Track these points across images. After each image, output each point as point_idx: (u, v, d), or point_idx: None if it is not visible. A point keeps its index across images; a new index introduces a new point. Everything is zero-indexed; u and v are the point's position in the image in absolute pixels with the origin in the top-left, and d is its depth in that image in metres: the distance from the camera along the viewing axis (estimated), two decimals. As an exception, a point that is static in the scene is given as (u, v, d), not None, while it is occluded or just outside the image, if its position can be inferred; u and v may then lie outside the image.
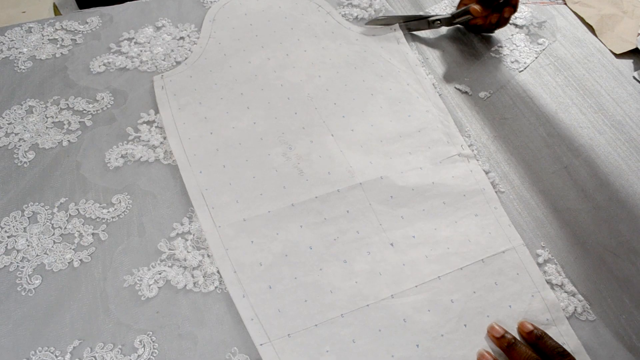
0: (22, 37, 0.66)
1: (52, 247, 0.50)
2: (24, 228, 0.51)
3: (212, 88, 0.62)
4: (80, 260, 0.49)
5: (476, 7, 0.67)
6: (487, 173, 0.57)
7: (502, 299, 0.48)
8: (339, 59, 0.66)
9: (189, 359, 0.44)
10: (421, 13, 0.74)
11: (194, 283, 0.48)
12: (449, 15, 0.69)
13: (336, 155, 0.57)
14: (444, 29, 0.72)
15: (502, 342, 0.45)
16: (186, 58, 0.65)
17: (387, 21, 0.70)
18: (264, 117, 0.59)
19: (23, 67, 0.63)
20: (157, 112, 0.60)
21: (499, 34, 0.72)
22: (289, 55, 0.66)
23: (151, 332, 0.45)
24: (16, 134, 0.57)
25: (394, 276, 0.49)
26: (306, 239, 0.51)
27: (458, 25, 0.72)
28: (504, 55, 0.69)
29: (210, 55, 0.65)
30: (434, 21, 0.70)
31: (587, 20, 0.74)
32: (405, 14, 0.74)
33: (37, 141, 0.57)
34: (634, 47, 0.70)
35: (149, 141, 0.57)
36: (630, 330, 0.48)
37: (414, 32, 0.71)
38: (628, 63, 0.69)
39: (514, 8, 0.68)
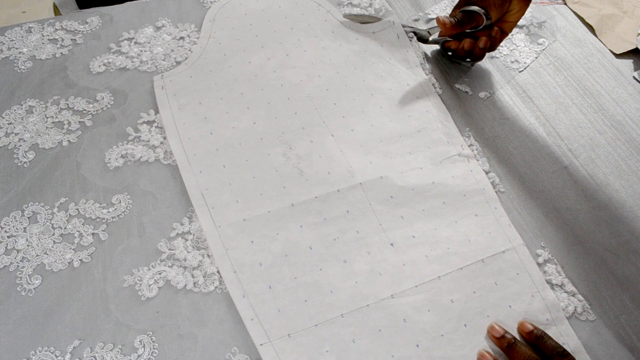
0: (22, 37, 0.66)
1: (52, 247, 0.50)
2: (24, 228, 0.51)
3: (212, 88, 0.62)
4: (80, 260, 0.49)
5: (446, 20, 0.61)
6: (487, 173, 0.57)
7: (502, 299, 0.48)
8: (339, 59, 0.66)
9: (189, 359, 0.44)
10: (420, 13, 0.74)
11: (194, 283, 0.48)
12: (425, 31, 0.68)
13: (336, 155, 0.57)
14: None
15: (502, 342, 0.45)
16: (186, 58, 0.65)
17: (364, 20, 0.70)
18: (264, 117, 0.59)
19: (23, 67, 0.63)
20: (157, 112, 0.60)
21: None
22: (289, 55, 0.66)
23: (151, 332, 0.45)
24: (16, 134, 0.57)
25: (394, 276, 0.49)
26: (306, 239, 0.51)
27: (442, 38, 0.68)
28: (504, 55, 0.69)
29: (210, 55, 0.65)
30: (407, 32, 0.68)
31: (587, 20, 0.74)
32: (405, 14, 0.74)
33: (37, 141, 0.57)
34: (634, 47, 0.70)
35: (149, 141, 0.57)
36: (630, 330, 0.48)
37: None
38: (628, 63, 0.69)
39: (490, 40, 0.63)
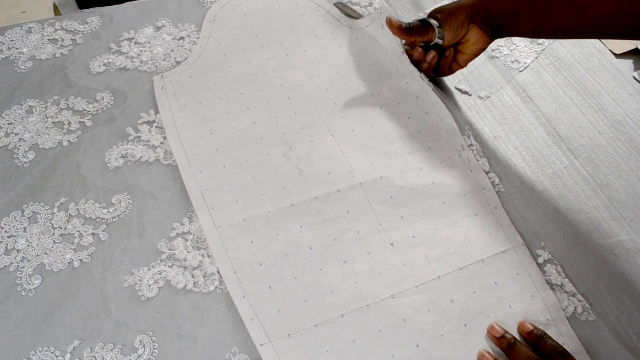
0: (22, 37, 0.66)
1: (52, 247, 0.50)
2: (24, 228, 0.51)
3: (212, 88, 0.62)
4: (80, 260, 0.49)
5: (394, 20, 0.59)
6: (487, 173, 0.57)
7: (502, 299, 0.48)
8: (339, 59, 0.66)
9: (189, 359, 0.44)
10: (420, 14, 0.74)
11: (194, 283, 0.48)
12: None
13: (336, 155, 0.57)
14: None
15: (502, 342, 0.45)
16: (186, 58, 0.65)
17: (351, 13, 0.70)
18: (264, 117, 0.59)
19: (23, 67, 0.63)
20: (157, 112, 0.60)
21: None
22: (289, 55, 0.66)
23: (151, 332, 0.45)
24: (16, 134, 0.57)
25: (394, 276, 0.49)
26: (306, 239, 0.51)
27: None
28: (504, 55, 0.69)
29: (210, 55, 0.65)
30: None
31: (587, 20, 0.74)
32: (405, 14, 0.74)
33: (37, 141, 0.57)
34: (634, 47, 0.70)
35: (149, 141, 0.57)
36: (630, 330, 0.48)
37: None
38: (628, 63, 0.69)
39: (438, 53, 0.60)
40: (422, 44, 0.62)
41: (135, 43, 0.67)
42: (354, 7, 0.72)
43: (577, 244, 0.53)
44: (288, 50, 0.66)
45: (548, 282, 0.50)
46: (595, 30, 0.51)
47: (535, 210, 0.55)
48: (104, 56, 0.65)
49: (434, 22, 0.58)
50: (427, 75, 0.63)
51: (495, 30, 0.57)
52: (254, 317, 0.46)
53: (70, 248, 0.50)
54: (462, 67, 0.62)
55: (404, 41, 0.65)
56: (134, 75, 0.63)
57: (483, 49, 0.60)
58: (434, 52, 0.60)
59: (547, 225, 0.54)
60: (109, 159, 0.56)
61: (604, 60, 0.69)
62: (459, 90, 0.65)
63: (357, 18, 0.70)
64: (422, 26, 0.59)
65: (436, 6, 0.75)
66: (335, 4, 0.71)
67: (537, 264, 0.51)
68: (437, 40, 0.59)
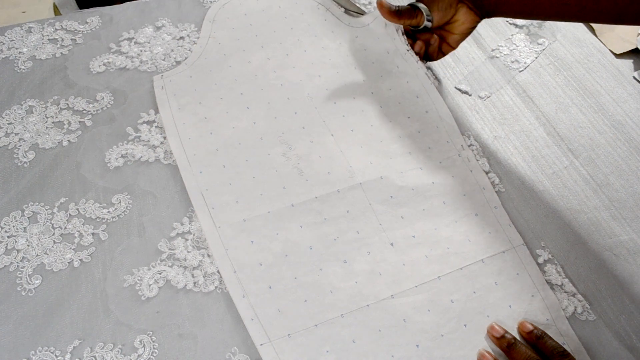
0: (22, 37, 0.66)
1: (52, 247, 0.50)
2: (24, 228, 0.51)
3: (212, 88, 0.62)
4: (80, 260, 0.49)
5: (384, 2, 0.60)
6: (487, 173, 0.57)
7: (502, 299, 0.48)
8: (339, 59, 0.66)
9: (189, 359, 0.44)
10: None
11: (194, 283, 0.48)
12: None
13: (336, 155, 0.57)
14: None
15: (502, 342, 0.45)
16: (186, 58, 0.65)
17: (349, 7, 0.70)
18: (264, 117, 0.59)
19: (23, 67, 0.63)
20: (157, 112, 0.60)
21: (499, 33, 0.71)
22: (289, 55, 0.66)
23: (151, 332, 0.45)
24: (16, 134, 0.57)
25: (394, 276, 0.49)
26: (306, 239, 0.51)
27: None
28: (504, 55, 0.69)
29: (210, 55, 0.65)
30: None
31: (587, 20, 0.74)
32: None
33: (37, 141, 0.57)
34: (634, 47, 0.70)
35: (149, 141, 0.57)
36: (630, 330, 0.48)
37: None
38: (628, 63, 0.69)
39: (426, 46, 0.62)
40: (411, 27, 0.63)
41: (135, 43, 0.67)
42: (355, 4, 0.72)
43: (577, 244, 0.53)
44: (288, 50, 0.66)
45: (548, 282, 0.50)
46: (584, 13, 0.52)
47: (535, 210, 0.55)
48: (104, 56, 0.65)
49: (422, 6, 0.59)
50: (425, 63, 0.64)
51: (484, 10, 0.58)
52: (254, 317, 0.46)
53: (70, 248, 0.50)
54: (453, 48, 0.62)
55: (406, 40, 0.65)
56: (134, 75, 0.63)
57: (472, 28, 0.60)
58: (421, 42, 0.62)
59: (547, 225, 0.54)
60: (109, 158, 0.56)
61: (604, 60, 0.69)
62: (459, 90, 0.65)
63: (358, 13, 0.70)
64: (411, 9, 0.60)
65: None
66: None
67: (537, 264, 0.51)
68: (425, 23, 0.60)
